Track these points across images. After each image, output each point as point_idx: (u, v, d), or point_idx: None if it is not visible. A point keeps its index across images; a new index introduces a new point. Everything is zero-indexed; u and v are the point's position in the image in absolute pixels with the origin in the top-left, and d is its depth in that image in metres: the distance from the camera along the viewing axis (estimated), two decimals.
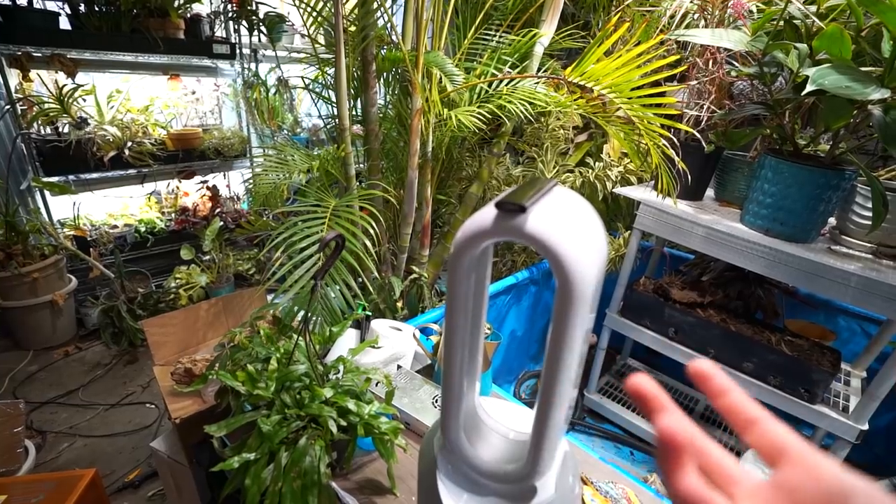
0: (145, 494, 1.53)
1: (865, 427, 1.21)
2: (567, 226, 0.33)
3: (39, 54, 2.11)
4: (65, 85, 2.14)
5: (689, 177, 1.28)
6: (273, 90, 2.90)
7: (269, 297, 1.40)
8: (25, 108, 2.14)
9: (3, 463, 1.38)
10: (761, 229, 1.28)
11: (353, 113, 1.62)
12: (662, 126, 1.12)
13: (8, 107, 2.09)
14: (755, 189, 1.27)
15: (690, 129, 1.20)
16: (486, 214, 0.34)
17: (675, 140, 1.18)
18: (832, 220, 1.34)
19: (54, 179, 2.23)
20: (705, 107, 1.32)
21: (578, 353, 0.36)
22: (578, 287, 0.32)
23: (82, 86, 2.21)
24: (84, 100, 2.30)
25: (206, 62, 2.69)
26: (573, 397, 0.41)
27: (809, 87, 0.86)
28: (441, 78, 1.27)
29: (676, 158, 1.14)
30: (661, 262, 1.95)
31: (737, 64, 1.37)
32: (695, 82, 1.30)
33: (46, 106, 2.14)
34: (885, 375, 1.15)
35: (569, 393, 0.38)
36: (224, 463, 0.67)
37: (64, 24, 2.18)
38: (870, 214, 1.08)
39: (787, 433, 0.24)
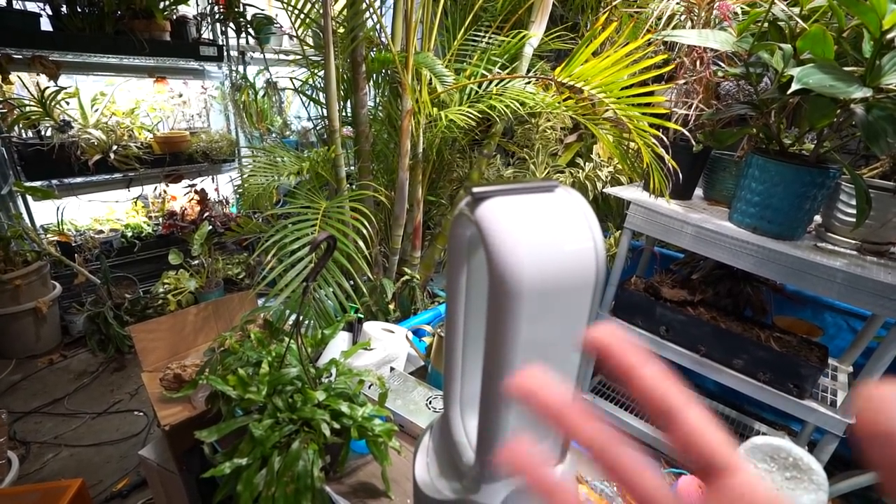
0: None
1: (853, 421, 1.23)
2: (523, 223, 0.31)
3: (20, 56, 2.06)
4: (47, 87, 2.11)
5: (679, 176, 1.29)
6: (261, 92, 2.87)
7: (260, 302, 1.38)
8: (5, 111, 2.10)
9: None
10: (749, 227, 1.29)
11: (343, 114, 1.61)
12: (652, 125, 1.13)
13: None
14: (742, 188, 1.29)
15: (680, 128, 1.21)
16: (464, 199, 0.35)
17: (664, 139, 1.20)
18: (818, 218, 1.36)
19: (37, 184, 2.18)
20: (693, 106, 1.34)
21: (519, 369, 0.33)
22: (511, 286, 0.29)
23: (65, 88, 2.17)
24: (67, 103, 2.27)
25: (193, 64, 2.66)
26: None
27: (794, 87, 0.88)
28: (431, 79, 1.27)
29: (667, 156, 1.15)
30: (651, 262, 1.97)
31: (723, 64, 1.39)
32: (682, 82, 1.32)
33: (28, 109, 2.10)
34: (871, 369, 1.17)
35: (507, 410, 0.35)
36: (215, 469, 0.66)
37: (45, 25, 2.14)
38: (854, 212, 1.10)
39: (722, 441, 0.18)
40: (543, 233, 0.31)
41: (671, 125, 1.19)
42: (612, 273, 1.67)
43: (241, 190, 1.56)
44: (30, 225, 2.27)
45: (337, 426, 0.72)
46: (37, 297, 2.11)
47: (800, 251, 1.20)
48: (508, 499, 0.40)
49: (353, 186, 1.44)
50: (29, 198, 2.24)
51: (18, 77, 2.19)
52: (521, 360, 0.33)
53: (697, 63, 1.37)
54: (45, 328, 2.20)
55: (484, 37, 1.56)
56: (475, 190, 0.32)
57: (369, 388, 0.92)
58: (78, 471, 1.61)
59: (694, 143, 1.37)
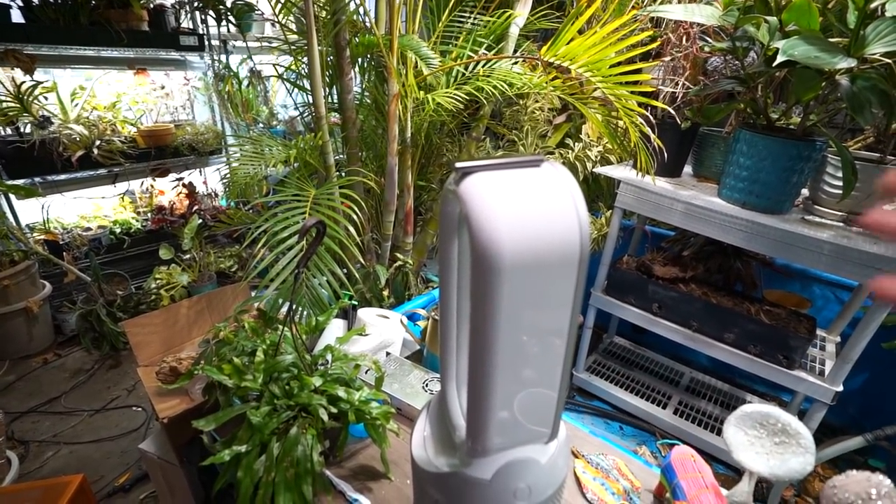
0: (137, 497, 1.51)
1: (840, 388, 1.26)
2: (507, 197, 0.31)
3: None
4: (23, 82, 2.05)
5: (667, 154, 1.29)
6: (246, 82, 2.82)
7: (253, 293, 1.38)
8: None
9: None
10: (738, 202, 1.31)
11: (329, 101, 1.58)
12: (639, 104, 1.13)
13: None
14: (731, 163, 1.30)
15: (666, 107, 1.21)
16: (452, 176, 0.36)
17: (651, 118, 1.19)
18: (805, 192, 1.38)
19: (19, 182, 2.14)
20: (680, 83, 1.34)
21: (506, 343, 0.33)
22: (492, 259, 0.29)
23: (42, 83, 2.12)
24: (45, 98, 2.21)
25: (174, 55, 2.60)
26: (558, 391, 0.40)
27: (780, 59, 0.88)
28: (417, 62, 1.26)
29: (653, 136, 1.15)
30: (642, 240, 1.98)
31: (710, 39, 1.39)
32: (669, 58, 1.31)
33: (4, 105, 2.05)
34: (858, 339, 1.20)
35: (494, 387, 0.35)
36: (215, 456, 0.66)
37: (17, 17, 2.07)
38: (840, 184, 1.11)
39: None
40: (526, 207, 0.31)
41: (658, 104, 1.19)
42: (604, 252, 1.68)
43: (227, 181, 1.54)
44: (15, 224, 2.23)
45: (334, 411, 0.73)
46: (26, 296, 2.09)
47: (788, 224, 1.21)
48: (500, 471, 0.41)
49: (342, 174, 1.43)
50: (12, 196, 2.20)
51: None
52: (505, 337, 0.34)
53: (684, 39, 1.36)
54: (38, 328, 2.18)
55: (469, 17, 1.54)
56: (459, 165, 0.32)
57: (366, 372, 0.92)
58: (79, 467, 1.61)
59: (681, 120, 1.37)
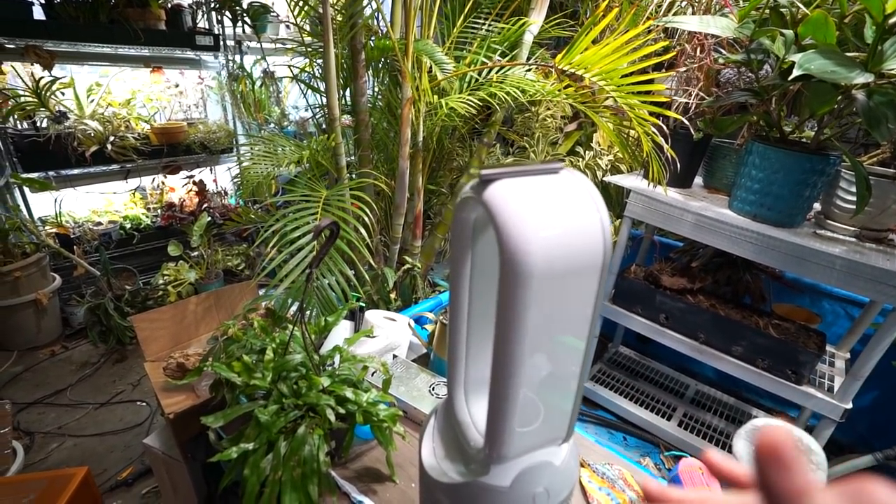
0: (139, 492, 1.51)
1: (849, 406, 1.25)
2: (532, 204, 0.31)
3: (12, 46, 2.04)
4: (41, 78, 2.08)
5: (679, 164, 1.29)
6: (259, 82, 2.85)
7: (261, 292, 1.38)
8: (0, 101, 2.08)
9: None
10: (749, 215, 1.30)
11: (343, 103, 1.60)
12: (652, 114, 1.13)
13: None
14: (743, 175, 1.29)
15: (679, 117, 1.21)
16: (471, 182, 0.36)
17: (664, 128, 1.19)
18: (817, 206, 1.37)
19: (34, 176, 2.17)
20: (693, 94, 1.33)
21: (531, 349, 0.33)
22: (519, 265, 0.29)
23: (60, 78, 2.15)
24: (62, 93, 2.24)
25: (189, 54, 2.63)
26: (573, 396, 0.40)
27: (796, 72, 0.88)
28: (431, 67, 1.26)
29: (665, 146, 1.15)
30: (651, 250, 1.98)
31: (724, 51, 1.39)
32: (684, 69, 1.31)
33: (23, 99, 2.08)
34: (868, 356, 1.18)
35: (518, 394, 0.36)
36: (222, 453, 0.66)
37: (38, 14, 2.11)
38: (854, 199, 1.11)
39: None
40: (552, 214, 0.31)
41: (671, 113, 1.19)
42: (612, 262, 1.67)
43: (238, 180, 1.55)
44: (28, 217, 2.26)
45: (342, 411, 0.73)
46: (36, 288, 2.11)
47: (799, 238, 1.20)
48: (519, 477, 0.41)
49: (353, 176, 1.44)
50: (26, 189, 2.23)
51: (12, 67, 2.16)
52: (530, 343, 0.34)
53: (698, 50, 1.36)
54: (46, 320, 2.20)
55: (483, 24, 1.55)
56: (484, 172, 0.32)
57: (373, 374, 0.92)
58: (82, 460, 1.62)
59: (694, 131, 1.37)
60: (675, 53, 1.27)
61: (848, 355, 1.55)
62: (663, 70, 1.41)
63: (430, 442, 0.49)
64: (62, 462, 1.61)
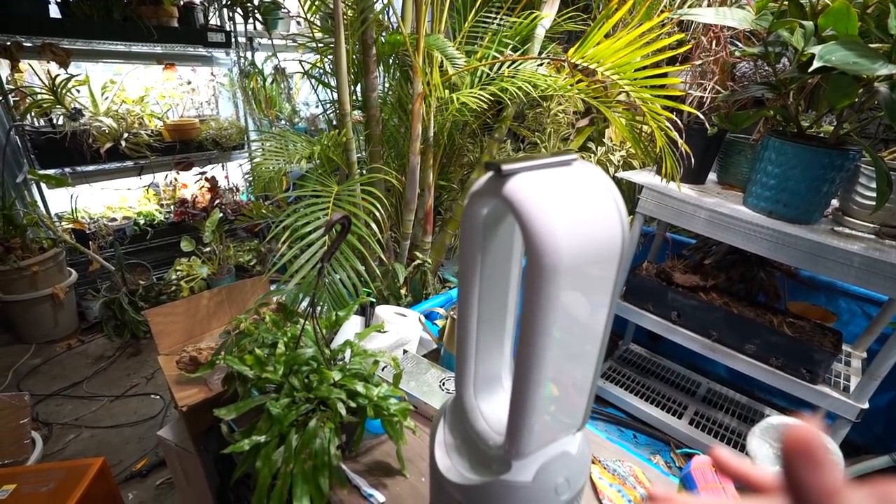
0: (153, 483, 1.54)
1: (866, 406, 1.22)
2: (554, 196, 0.31)
3: (30, 44, 2.07)
4: (57, 75, 2.11)
5: (693, 160, 1.27)
6: (270, 79, 2.86)
7: (273, 288, 1.39)
8: (18, 99, 2.11)
9: (11, 454, 1.39)
10: (764, 211, 1.28)
11: (353, 99, 1.60)
12: (666, 108, 1.11)
13: (0, 98, 2.06)
14: (758, 171, 1.27)
15: (694, 111, 1.19)
16: (485, 176, 0.35)
17: (678, 122, 1.18)
18: (835, 202, 1.34)
19: (50, 172, 2.21)
20: (708, 88, 1.31)
21: (555, 341, 0.34)
22: (548, 259, 0.29)
23: (75, 76, 2.18)
24: (78, 90, 2.28)
25: (201, 51, 2.66)
26: (587, 388, 0.39)
27: (816, 64, 0.86)
28: (442, 61, 1.26)
29: (680, 141, 1.13)
30: (663, 247, 1.95)
31: (740, 44, 1.36)
32: (699, 62, 1.29)
33: (39, 97, 2.11)
34: (885, 356, 1.16)
35: (543, 388, 0.36)
36: (234, 445, 0.67)
37: (54, 12, 2.14)
38: (873, 195, 1.08)
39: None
40: (573, 206, 0.31)
41: (686, 108, 1.17)
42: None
43: (250, 176, 1.56)
44: (45, 212, 2.30)
45: (353, 405, 0.73)
46: (53, 283, 2.15)
47: (816, 235, 1.18)
48: (540, 470, 0.40)
49: (364, 171, 1.44)
50: (43, 186, 2.27)
51: (30, 65, 2.20)
52: (556, 336, 0.34)
53: (714, 43, 1.34)
54: (63, 314, 2.25)
55: (495, 18, 1.54)
56: (505, 167, 0.31)
57: (383, 369, 0.93)
58: (98, 451, 1.65)
59: (708, 126, 1.34)
60: (690, 47, 1.25)
61: (864, 355, 1.52)
62: (678, 64, 1.39)
63: (442, 445, 0.48)
64: (79, 453, 1.65)
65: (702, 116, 1.24)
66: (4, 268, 2.00)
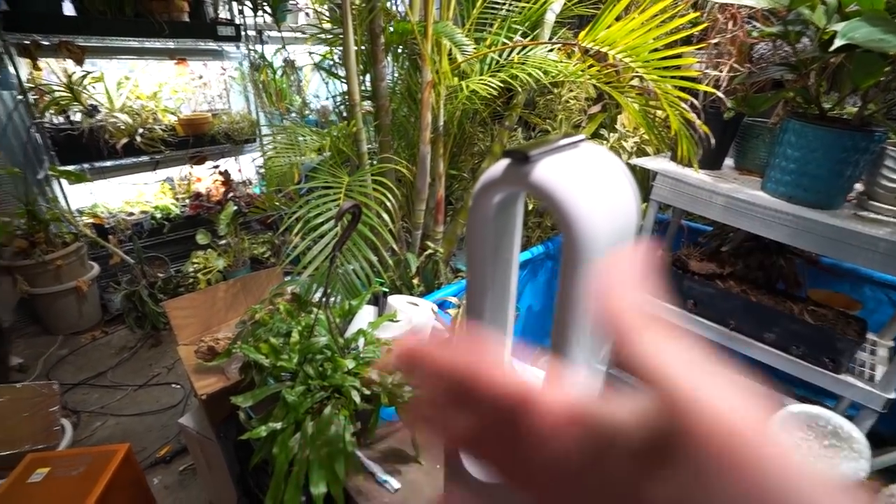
0: (177, 469, 1.59)
1: (893, 395, 1.20)
2: (580, 178, 0.31)
3: (47, 42, 2.11)
4: (74, 72, 2.15)
5: (712, 142, 1.24)
6: (280, 72, 2.87)
7: (286, 279, 1.41)
8: (37, 97, 2.16)
9: (43, 440, 1.44)
10: (784, 196, 1.24)
11: (363, 89, 1.59)
12: (682, 90, 1.08)
13: (21, 97, 2.11)
14: (777, 155, 1.23)
15: (713, 90, 1.15)
16: (500, 165, 0.35)
17: (696, 103, 1.15)
18: (859, 186, 1.30)
19: (70, 168, 2.26)
20: (725, 70, 1.27)
21: (587, 319, 0.34)
22: (585, 241, 0.30)
23: (91, 73, 2.21)
24: (93, 87, 2.31)
25: (212, 45, 2.67)
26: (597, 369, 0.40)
27: (839, 42, 0.82)
28: (451, 49, 1.24)
29: (698, 122, 1.11)
30: (678, 235, 1.92)
31: (758, 24, 1.32)
32: (714, 41, 1.25)
33: (57, 94, 2.15)
34: None
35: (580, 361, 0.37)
36: (252, 432, 0.69)
37: (68, 10, 2.17)
38: None
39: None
40: (597, 187, 0.32)
41: (705, 87, 1.14)
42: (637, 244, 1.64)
43: (263, 171, 1.58)
44: (66, 208, 2.36)
45: (367, 393, 0.74)
46: (77, 276, 2.21)
47: (839, 220, 1.14)
48: None
49: (374, 162, 1.44)
50: (63, 181, 2.32)
51: (47, 63, 2.24)
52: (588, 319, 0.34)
53: (730, 23, 1.30)
54: (87, 306, 2.31)
55: (504, 4, 1.51)
56: (532, 152, 0.31)
57: None
58: (124, 438, 1.71)
59: (724, 109, 1.31)
60: (706, 25, 1.21)
61: (892, 343, 1.48)
62: (692, 45, 1.35)
63: None
64: (105, 439, 1.71)
65: (722, 96, 1.21)
66: (30, 262, 2.06)
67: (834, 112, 1.22)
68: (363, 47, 1.49)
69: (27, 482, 1.06)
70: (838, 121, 1.19)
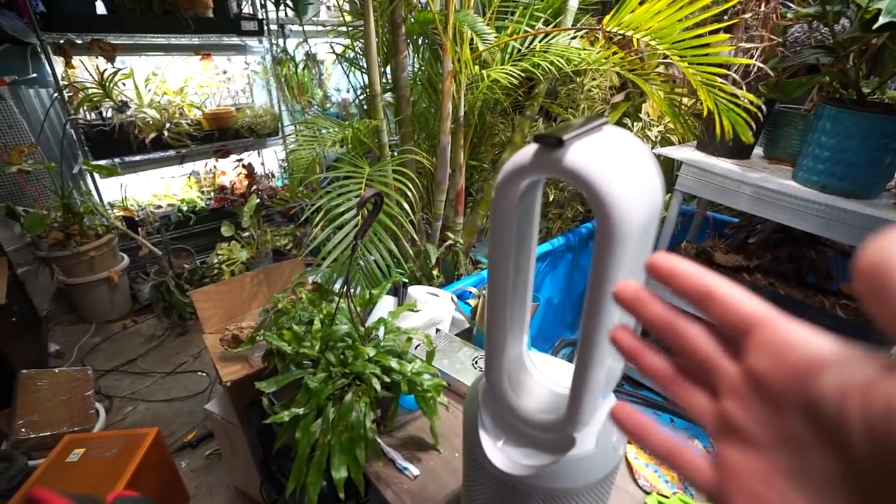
0: (203, 453, 1.64)
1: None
2: (611, 161, 0.31)
3: (80, 41, 2.18)
4: (105, 69, 2.22)
5: (753, 125, 1.17)
6: (301, 65, 2.90)
7: (308, 269, 1.43)
8: (71, 94, 2.24)
9: (78, 422, 1.51)
10: (817, 186, 1.20)
11: (384, 81, 1.60)
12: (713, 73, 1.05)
13: (57, 94, 2.19)
14: (810, 143, 1.18)
15: (753, 61, 1.11)
16: (527, 151, 0.34)
17: (736, 78, 1.10)
18: None
19: (102, 162, 2.33)
20: (756, 53, 1.23)
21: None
22: (620, 224, 0.30)
23: (121, 69, 2.28)
24: (123, 84, 2.38)
25: (235, 40, 2.71)
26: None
27: (882, 20, 0.78)
28: (472, 38, 1.23)
29: (740, 92, 1.05)
30: (703, 227, 1.87)
31: (792, 5, 1.26)
32: (748, 15, 1.20)
33: (90, 91, 2.23)
34: None
35: (608, 344, 0.37)
36: (275, 416, 0.70)
37: (100, 9, 2.24)
38: None
39: (751, 302, 0.20)
40: (626, 169, 0.31)
41: (743, 60, 1.09)
42: (661, 238, 1.60)
43: (286, 164, 1.60)
44: (98, 201, 2.44)
45: (387, 380, 0.75)
46: (108, 267, 2.30)
47: (876, 210, 1.10)
48: (600, 434, 0.41)
49: (395, 153, 1.45)
50: (96, 175, 2.41)
51: (80, 61, 2.32)
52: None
53: (762, 4, 1.25)
54: (118, 296, 2.40)
55: None
56: (566, 135, 0.31)
57: (416, 347, 0.94)
58: (154, 422, 1.77)
59: (755, 96, 1.26)
60: (735, 2, 1.15)
61: None
62: (721, 30, 1.31)
63: (490, 444, 0.46)
64: (136, 423, 1.78)
65: (763, 66, 1.15)
66: (66, 253, 2.14)
67: (874, 97, 1.16)
68: (384, 38, 1.49)
69: (65, 461, 1.12)
70: (879, 105, 1.13)
